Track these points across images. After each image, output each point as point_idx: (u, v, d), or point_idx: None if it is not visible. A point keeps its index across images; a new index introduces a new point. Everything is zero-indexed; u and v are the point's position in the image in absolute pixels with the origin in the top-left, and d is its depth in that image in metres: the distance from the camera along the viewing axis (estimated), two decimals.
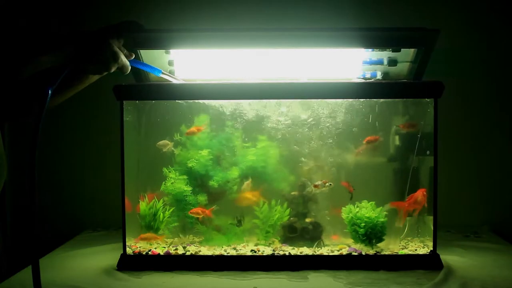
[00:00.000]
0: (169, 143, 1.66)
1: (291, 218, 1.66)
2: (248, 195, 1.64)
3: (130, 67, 1.35)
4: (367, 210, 1.59)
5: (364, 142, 1.63)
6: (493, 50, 2.13)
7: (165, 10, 2.13)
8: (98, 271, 1.52)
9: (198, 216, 1.63)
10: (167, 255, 1.57)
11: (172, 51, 1.57)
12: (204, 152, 1.66)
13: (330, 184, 1.62)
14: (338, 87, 1.54)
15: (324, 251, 1.58)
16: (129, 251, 1.58)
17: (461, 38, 2.10)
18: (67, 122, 2.19)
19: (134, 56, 1.39)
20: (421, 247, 1.61)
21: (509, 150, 2.15)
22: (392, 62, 1.58)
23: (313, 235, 1.64)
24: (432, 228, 1.53)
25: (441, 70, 1.79)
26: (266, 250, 1.59)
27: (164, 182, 1.65)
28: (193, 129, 1.65)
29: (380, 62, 1.59)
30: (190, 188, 1.65)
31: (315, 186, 1.62)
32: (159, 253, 1.58)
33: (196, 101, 1.62)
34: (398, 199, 1.61)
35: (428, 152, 1.56)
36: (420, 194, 1.57)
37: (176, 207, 1.65)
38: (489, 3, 2.12)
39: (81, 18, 2.17)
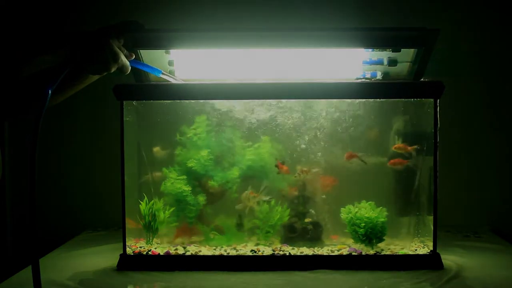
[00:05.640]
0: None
1: (291, 218, 1.66)
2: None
3: (130, 68, 1.34)
4: (366, 210, 1.59)
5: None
6: (492, 50, 2.12)
7: (165, 10, 2.13)
8: (98, 271, 1.52)
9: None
10: (167, 255, 1.57)
11: (172, 51, 1.57)
12: (204, 152, 1.66)
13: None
14: (338, 87, 1.54)
15: (324, 251, 1.58)
16: (129, 251, 1.58)
17: (460, 38, 2.10)
18: (67, 122, 2.18)
19: (134, 56, 1.38)
20: (421, 247, 1.60)
21: (509, 150, 2.15)
22: (392, 62, 1.57)
23: (313, 235, 1.64)
24: (432, 228, 1.53)
25: (441, 70, 1.79)
26: (266, 250, 1.59)
27: (164, 182, 1.66)
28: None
29: (380, 62, 1.59)
30: (189, 188, 1.65)
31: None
32: (159, 253, 1.58)
33: (196, 101, 1.62)
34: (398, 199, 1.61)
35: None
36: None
37: (176, 207, 1.65)
38: (488, 3, 2.12)
39: (81, 18, 2.17)
